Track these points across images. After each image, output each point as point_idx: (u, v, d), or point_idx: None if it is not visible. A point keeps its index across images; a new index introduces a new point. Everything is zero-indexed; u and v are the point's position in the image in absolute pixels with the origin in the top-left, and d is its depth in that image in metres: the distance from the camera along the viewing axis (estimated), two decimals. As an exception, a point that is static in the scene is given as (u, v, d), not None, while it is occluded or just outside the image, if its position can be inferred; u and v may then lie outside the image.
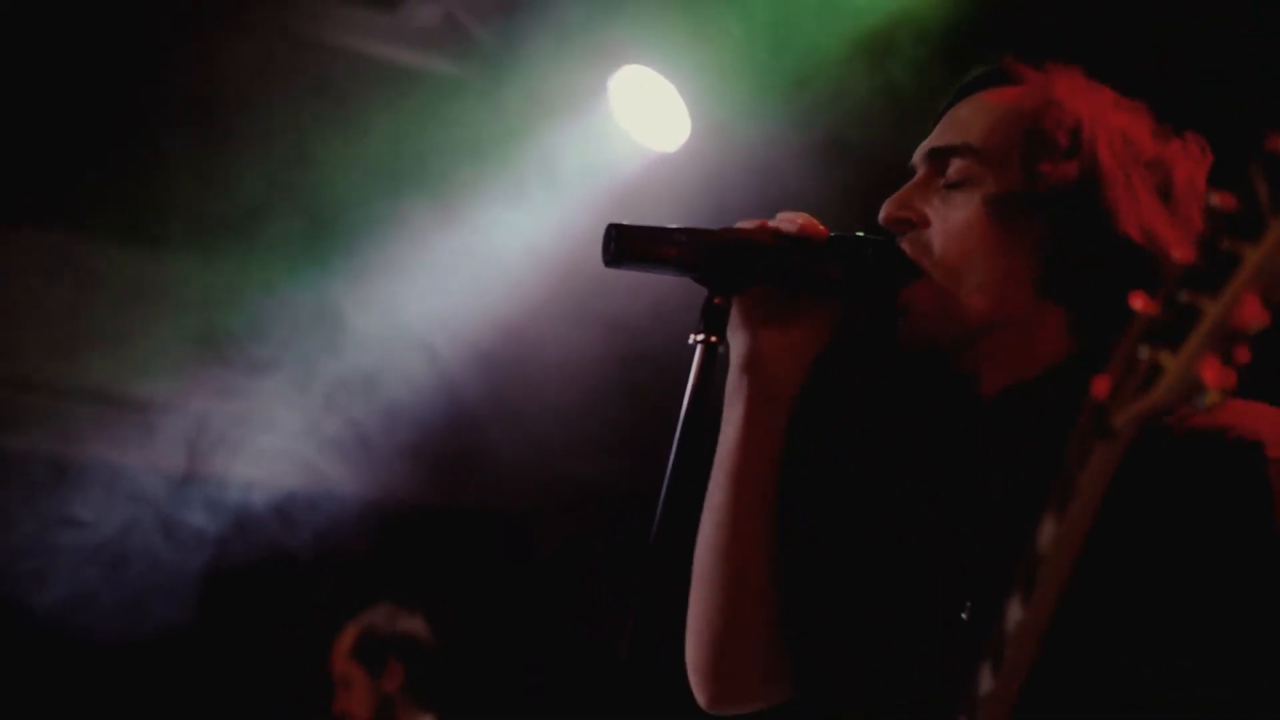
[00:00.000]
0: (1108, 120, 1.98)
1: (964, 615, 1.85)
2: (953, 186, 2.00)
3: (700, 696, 2.18)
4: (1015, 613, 1.26)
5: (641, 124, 4.95)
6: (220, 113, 5.08)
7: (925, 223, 2.01)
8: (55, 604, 5.56)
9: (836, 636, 2.07)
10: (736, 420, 2.11)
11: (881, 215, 2.05)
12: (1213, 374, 1.17)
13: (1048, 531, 1.25)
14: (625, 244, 1.96)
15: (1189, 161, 1.98)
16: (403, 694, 5.27)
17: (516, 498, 6.57)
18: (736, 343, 2.10)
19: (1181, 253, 1.18)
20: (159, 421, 5.93)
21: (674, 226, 1.99)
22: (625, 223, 1.97)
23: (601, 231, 1.97)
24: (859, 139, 4.41)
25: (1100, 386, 1.23)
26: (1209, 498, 1.74)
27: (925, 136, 2.10)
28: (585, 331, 5.48)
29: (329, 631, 5.43)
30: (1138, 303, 1.21)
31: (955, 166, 2.01)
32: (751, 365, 2.09)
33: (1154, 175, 1.95)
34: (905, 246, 2.01)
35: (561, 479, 6.32)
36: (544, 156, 5.09)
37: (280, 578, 5.76)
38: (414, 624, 5.42)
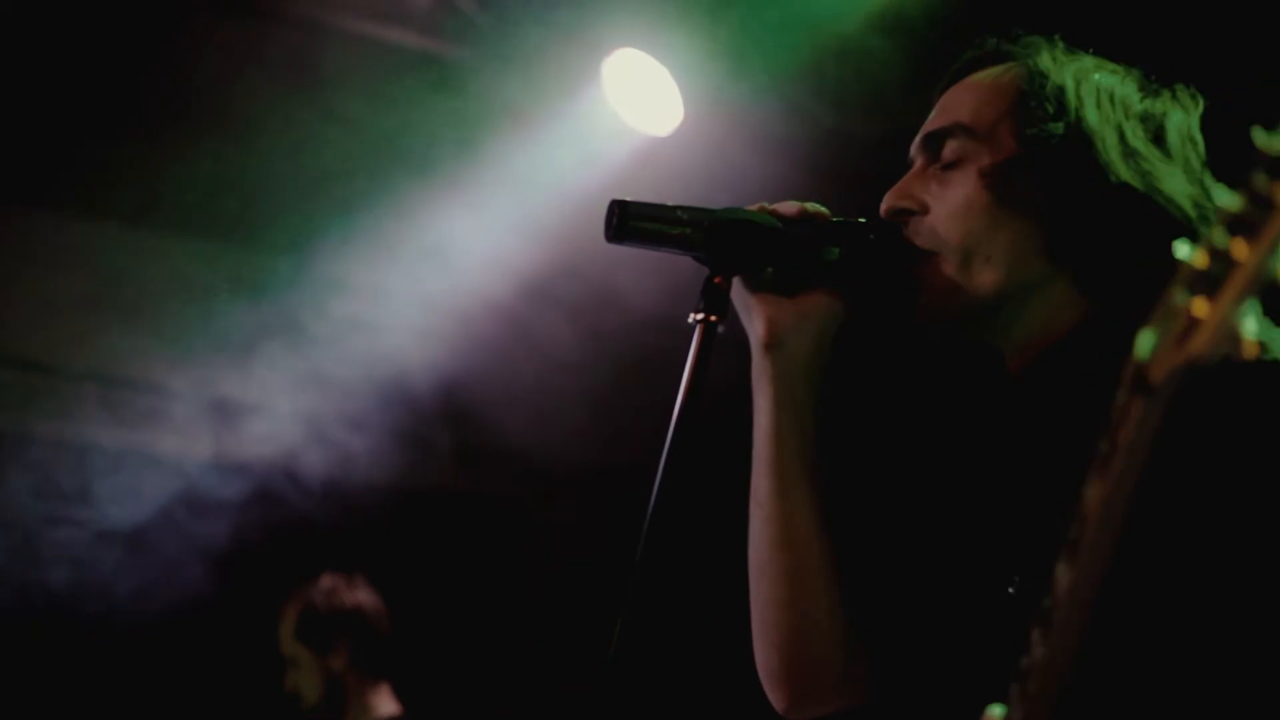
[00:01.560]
0: (1093, 82, 2.00)
1: (1011, 590, 1.81)
2: (949, 168, 2.01)
3: (775, 701, 2.09)
4: (1064, 576, 1.23)
5: (635, 108, 4.95)
6: (225, 99, 5.09)
7: (925, 210, 2.01)
8: (71, 586, 5.55)
9: (890, 625, 2.02)
10: (767, 405, 2.07)
11: (882, 208, 2.05)
12: (1251, 323, 1.13)
13: (1093, 492, 1.22)
14: (628, 220, 1.94)
15: (1180, 110, 2.01)
16: (350, 670, 5.10)
17: (515, 482, 6.56)
18: (752, 326, 2.08)
19: (1226, 199, 1.14)
20: (170, 405, 5.92)
21: (676, 204, 1.97)
22: (629, 199, 1.95)
23: (595, 214, 1.95)
24: (855, 124, 4.42)
25: (1143, 342, 1.19)
26: (1240, 431, 1.71)
27: (922, 123, 2.10)
28: (581, 313, 5.48)
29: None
30: (1181, 251, 1.17)
31: (949, 148, 2.02)
32: (771, 344, 2.06)
33: (1147, 126, 1.97)
34: (909, 236, 2.01)
35: (561, 462, 6.31)
36: (538, 139, 5.08)
37: (285, 558, 5.72)
38: (356, 596, 5.17)
